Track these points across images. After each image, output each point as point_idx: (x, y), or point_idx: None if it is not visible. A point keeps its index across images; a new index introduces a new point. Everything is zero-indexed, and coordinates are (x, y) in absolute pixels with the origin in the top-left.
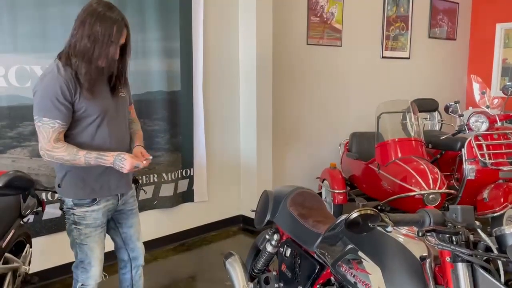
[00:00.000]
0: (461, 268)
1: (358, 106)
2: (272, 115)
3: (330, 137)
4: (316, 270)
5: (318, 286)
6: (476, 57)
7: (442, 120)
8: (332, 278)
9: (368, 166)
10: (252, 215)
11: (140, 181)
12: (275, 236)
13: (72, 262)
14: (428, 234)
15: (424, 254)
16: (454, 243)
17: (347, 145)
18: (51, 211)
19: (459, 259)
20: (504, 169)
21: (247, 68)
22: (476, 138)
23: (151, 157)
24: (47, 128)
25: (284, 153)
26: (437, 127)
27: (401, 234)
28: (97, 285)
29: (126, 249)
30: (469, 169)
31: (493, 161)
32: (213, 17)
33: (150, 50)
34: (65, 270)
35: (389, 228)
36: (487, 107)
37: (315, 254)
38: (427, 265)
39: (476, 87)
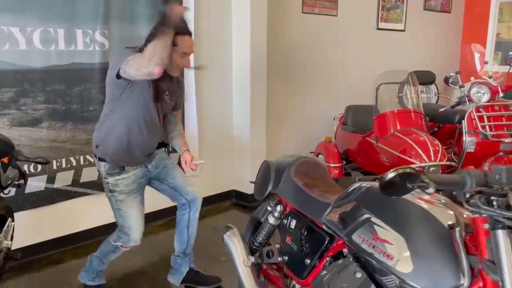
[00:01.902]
0: (502, 235)
1: (353, 79)
2: (266, 87)
3: (325, 110)
4: (326, 242)
5: (327, 258)
6: (470, 30)
7: (438, 93)
8: (345, 250)
9: (365, 139)
10: (245, 189)
11: (168, 145)
12: (278, 208)
13: (57, 238)
14: (470, 197)
15: (452, 222)
16: (495, 206)
17: (342, 119)
18: (34, 184)
19: (500, 225)
20: (506, 141)
21: (241, 37)
22: (477, 109)
23: (202, 161)
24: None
25: (278, 127)
26: (433, 100)
27: (423, 200)
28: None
29: (181, 195)
30: (469, 142)
31: (494, 133)
32: None
33: (137, 15)
34: (51, 246)
35: (430, 190)
36: (489, 77)
37: (323, 225)
38: (457, 233)
39: (477, 56)
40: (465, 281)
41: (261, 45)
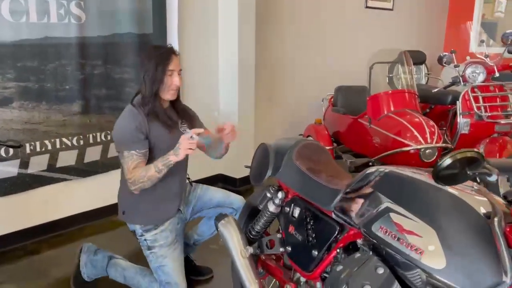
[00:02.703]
0: None
1: (341, 60)
2: (255, 69)
3: (314, 91)
4: (336, 233)
5: (338, 250)
6: (455, 10)
7: (428, 74)
8: (359, 241)
9: (357, 120)
10: (233, 173)
11: (189, 178)
12: (279, 194)
13: (32, 227)
14: None
15: (489, 211)
16: None
17: (332, 100)
18: (6, 170)
19: None
20: (502, 122)
21: (227, 13)
22: (472, 90)
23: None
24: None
25: (267, 109)
26: (423, 81)
27: (454, 188)
28: None
29: (227, 207)
30: (463, 123)
31: (489, 114)
32: None
33: None
34: (25, 236)
35: (493, 177)
36: (486, 56)
37: (332, 214)
38: (496, 224)
39: (473, 35)
40: (507, 278)
41: (249, 23)
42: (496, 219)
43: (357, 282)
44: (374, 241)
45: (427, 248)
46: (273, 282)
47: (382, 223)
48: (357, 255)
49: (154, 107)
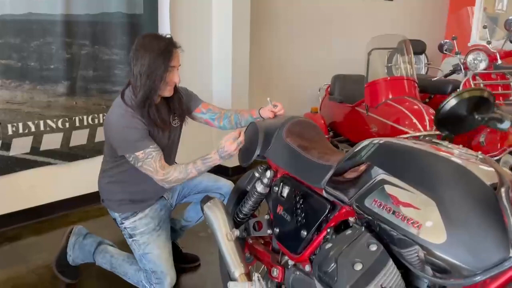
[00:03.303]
0: None
1: (339, 50)
2: (249, 55)
3: (310, 80)
4: (326, 211)
5: (328, 230)
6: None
7: (428, 64)
8: (351, 219)
9: (354, 109)
10: (226, 162)
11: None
12: (268, 173)
13: (13, 213)
14: None
15: (495, 182)
16: None
17: (329, 89)
18: None
19: None
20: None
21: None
22: (473, 77)
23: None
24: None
25: (262, 97)
26: (423, 71)
27: (455, 155)
28: None
29: (214, 192)
30: None
31: None
32: None
33: None
34: (6, 221)
35: (505, 124)
36: (488, 42)
37: (323, 192)
38: (503, 194)
39: (475, 20)
40: None
41: (244, 9)
42: (503, 189)
43: (348, 259)
44: (368, 216)
45: (425, 221)
46: (261, 268)
47: (376, 196)
48: (348, 232)
49: (148, 110)
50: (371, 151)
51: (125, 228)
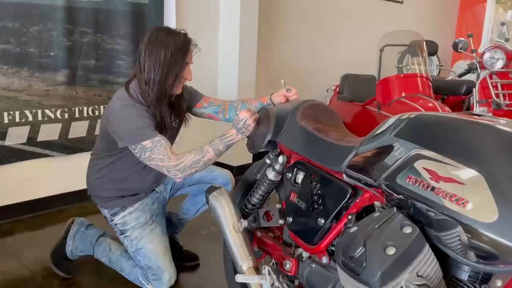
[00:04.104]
0: None
1: (348, 51)
2: (257, 53)
3: (318, 81)
4: (348, 196)
5: (349, 217)
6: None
7: (440, 66)
8: (377, 203)
9: (365, 108)
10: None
11: None
12: (280, 159)
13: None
14: None
15: None
16: None
17: (338, 89)
18: None
19: None
20: None
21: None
22: (490, 76)
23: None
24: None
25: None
26: (435, 73)
27: (504, 125)
28: None
29: (210, 183)
30: (480, 112)
31: (508, 102)
32: None
33: None
34: None
35: None
36: (506, 40)
37: (344, 176)
38: None
39: (488, 16)
40: None
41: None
42: None
43: (379, 243)
44: (399, 196)
45: (472, 197)
46: (271, 263)
47: (410, 172)
48: (377, 214)
49: (160, 108)
50: (401, 127)
51: (115, 224)
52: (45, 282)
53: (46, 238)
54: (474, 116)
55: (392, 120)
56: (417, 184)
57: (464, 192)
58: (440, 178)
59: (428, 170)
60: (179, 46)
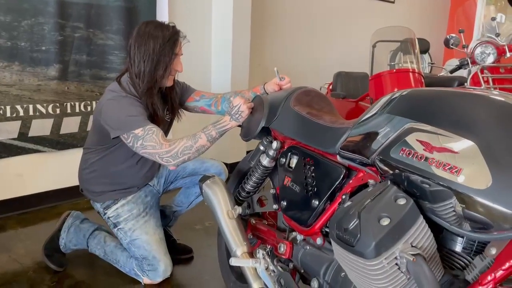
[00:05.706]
0: None
1: (340, 50)
2: (250, 52)
3: (311, 79)
4: (341, 176)
5: (343, 197)
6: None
7: (432, 63)
8: (371, 181)
9: (358, 104)
10: (225, 158)
11: None
12: (274, 144)
13: None
14: None
15: None
16: None
17: (330, 87)
18: None
19: None
20: None
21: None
22: (481, 71)
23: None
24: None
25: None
26: (427, 70)
27: (495, 94)
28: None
29: (203, 173)
30: None
31: None
32: None
33: None
34: None
35: None
36: (497, 35)
37: (337, 157)
38: None
39: (478, 12)
40: None
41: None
42: None
43: (373, 214)
44: (393, 170)
45: (466, 165)
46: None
47: (403, 145)
48: (370, 188)
49: (152, 100)
50: (393, 104)
51: (108, 218)
52: (36, 275)
53: (38, 234)
54: (466, 89)
55: (384, 98)
56: (410, 156)
57: (458, 160)
58: (433, 148)
59: (421, 142)
60: (167, 38)
